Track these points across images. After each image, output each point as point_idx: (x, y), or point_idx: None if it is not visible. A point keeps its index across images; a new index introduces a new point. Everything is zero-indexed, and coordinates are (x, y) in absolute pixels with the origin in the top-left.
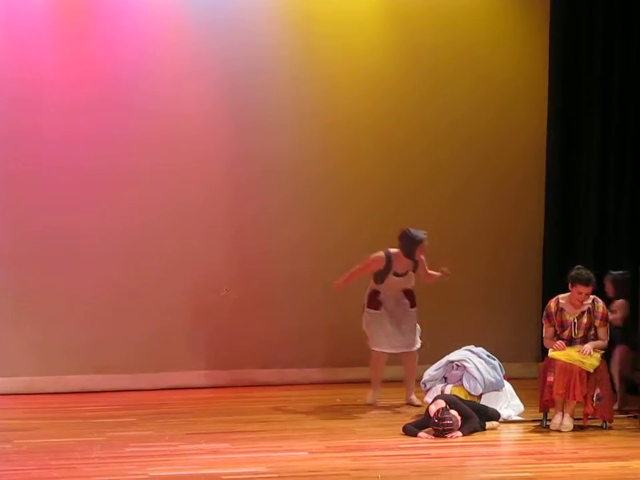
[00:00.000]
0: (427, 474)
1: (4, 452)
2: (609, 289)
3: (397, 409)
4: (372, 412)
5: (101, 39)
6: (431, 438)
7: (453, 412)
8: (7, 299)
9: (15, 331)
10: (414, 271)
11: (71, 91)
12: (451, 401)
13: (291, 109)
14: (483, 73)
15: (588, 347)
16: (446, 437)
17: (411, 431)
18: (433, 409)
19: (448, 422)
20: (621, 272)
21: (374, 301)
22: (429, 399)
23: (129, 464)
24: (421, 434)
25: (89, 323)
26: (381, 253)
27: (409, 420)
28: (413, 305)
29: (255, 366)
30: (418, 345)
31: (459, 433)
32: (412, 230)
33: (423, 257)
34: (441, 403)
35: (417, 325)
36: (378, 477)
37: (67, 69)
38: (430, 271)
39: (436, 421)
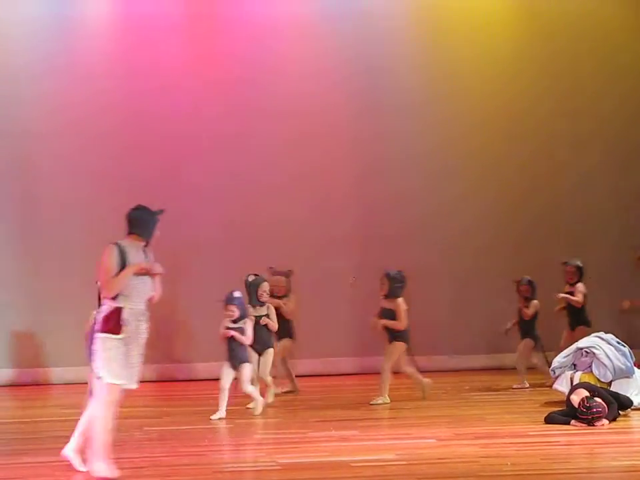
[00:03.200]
0: (556, 461)
1: (134, 439)
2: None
3: (527, 397)
4: (501, 399)
5: (231, 41)
6: (583, 426)
7: (598, 400)
8: None
9: None
10: None
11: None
12: (592, 389)
13: (418, 93)
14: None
15: None
16: (594, 424)
17: (558, 419)
18: (575, 399)
19: (597, 409)
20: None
21: None
22: (559, 386)
23: (258, 451)
24: (574, 422)
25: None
26: None
27: (538, 407)
28: None
29: (381, 353)
30: None
31: (606, 421)
32: None
33: None
34: (584, 392)
35: None
36: (507, 464)
37: (198, 66)
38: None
39: (583, 409)
